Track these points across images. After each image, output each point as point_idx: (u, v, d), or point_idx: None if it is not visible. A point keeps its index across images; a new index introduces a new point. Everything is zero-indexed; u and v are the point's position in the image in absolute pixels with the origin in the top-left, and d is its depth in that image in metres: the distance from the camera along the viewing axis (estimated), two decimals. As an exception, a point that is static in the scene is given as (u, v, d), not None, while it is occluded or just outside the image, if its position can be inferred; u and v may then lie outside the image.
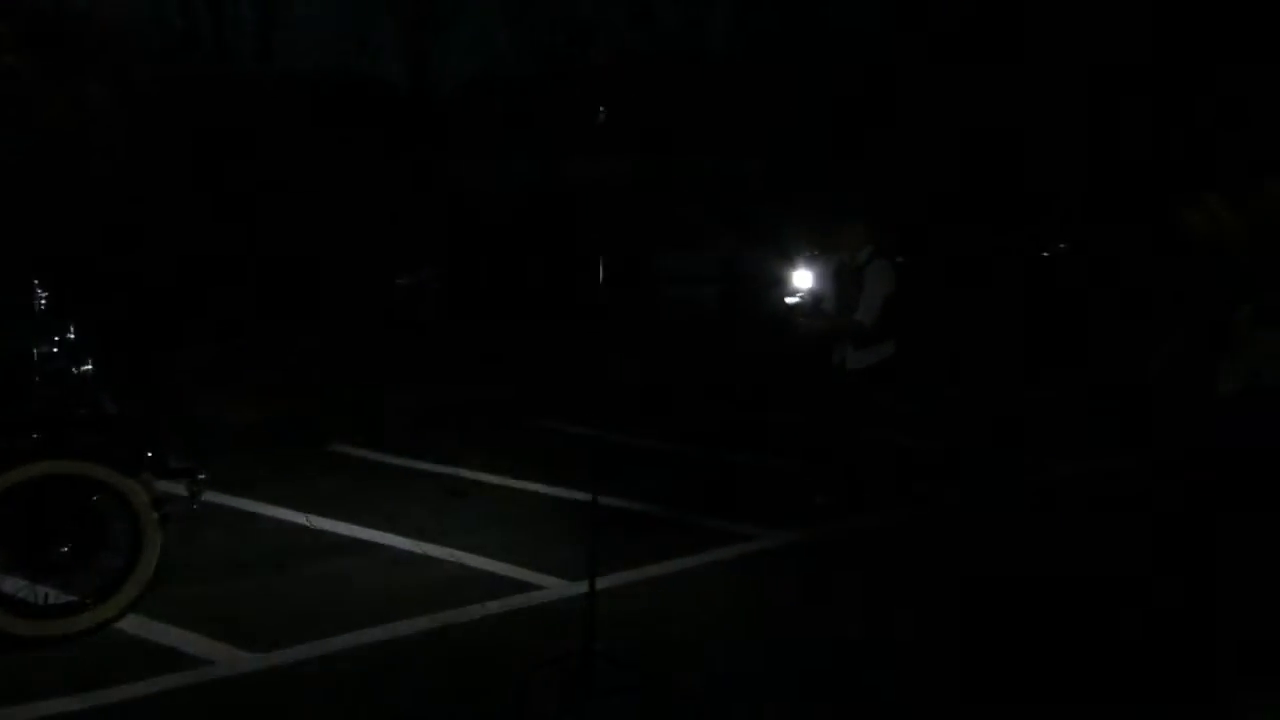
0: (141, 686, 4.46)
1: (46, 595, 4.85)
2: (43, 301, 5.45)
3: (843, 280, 6.81)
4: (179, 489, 5.36)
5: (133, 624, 4.98)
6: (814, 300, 6.77)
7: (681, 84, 17.04)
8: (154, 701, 4.37)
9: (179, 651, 4.78)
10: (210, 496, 6.00)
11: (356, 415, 9.37)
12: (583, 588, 4.66)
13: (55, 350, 5.33)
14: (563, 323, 11.94)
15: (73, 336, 5.39)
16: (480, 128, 16.90)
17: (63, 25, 11.26)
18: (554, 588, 5.55)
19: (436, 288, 14.00)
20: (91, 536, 4.95)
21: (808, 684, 4.59)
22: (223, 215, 12.14)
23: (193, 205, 11.96)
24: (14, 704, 4.28)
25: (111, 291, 9.43)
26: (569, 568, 5.65)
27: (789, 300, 6.75)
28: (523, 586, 5.57)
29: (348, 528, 6.44)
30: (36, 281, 5.46)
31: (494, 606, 5.30)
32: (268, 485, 7.15)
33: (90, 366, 5.35)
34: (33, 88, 10.06)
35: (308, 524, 6.47)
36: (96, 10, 12.68)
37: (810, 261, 6.89)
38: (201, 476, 5.37)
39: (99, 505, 4.96)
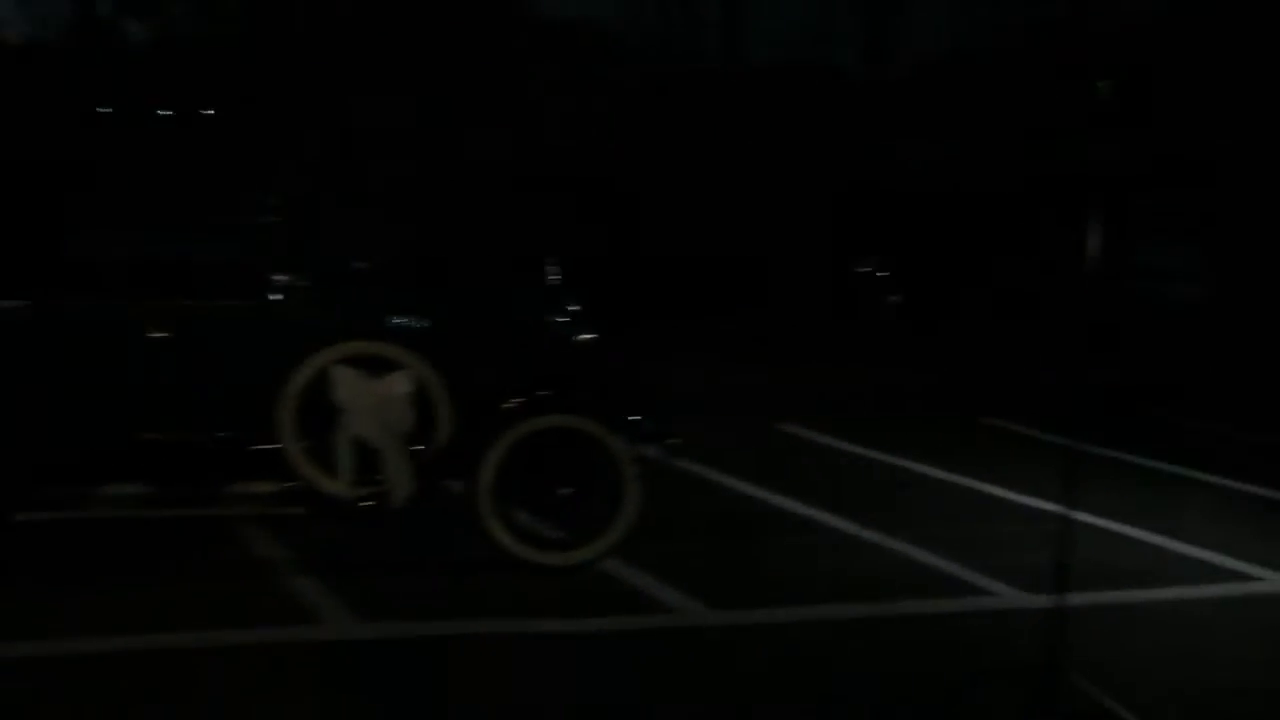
0: (611, 621, 5.04)
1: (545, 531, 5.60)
2: (555, 278, 6.23)
3: None
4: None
5: (611, 566, 5.61)
6: None
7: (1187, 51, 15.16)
8: (621, 637, 4.92)
9: (648, 596, 5.35)
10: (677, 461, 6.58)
11: (805, 396, 9.75)
12: (1039, 600, 4.62)
13: (563, 320, 6.08)
14: (1025, 320, 11.65)
15: (578, 308, 6.13)
16: (944, 111, 16.49)
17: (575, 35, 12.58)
18: (1006, 595, 5.50)
19: (886, 277, 13.98)
20: (583, 484, 5.63)
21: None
22: (698, 206, 13.02)
23: (675, 196, 12.92)
24: (513, 617, 5.01)
25: (608, 271, 10.46)
26: (1028, 577, 5.54)
27: None
28: (971, 589, 5.58)
29: (794, 504, 6.80)
30: (551, 261, 6.25)
31: (942, 605, 5.37)
32: (727, 456, 7.66)
33: (591, 335, 6.05)
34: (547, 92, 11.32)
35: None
36: (583, 19, 14.01)
37: None
38: (674, 441, 5.90)
39: (591, 457, 5.62)
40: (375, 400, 5.41)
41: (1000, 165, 15.27)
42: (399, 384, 5.44)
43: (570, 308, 6.07)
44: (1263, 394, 10.20)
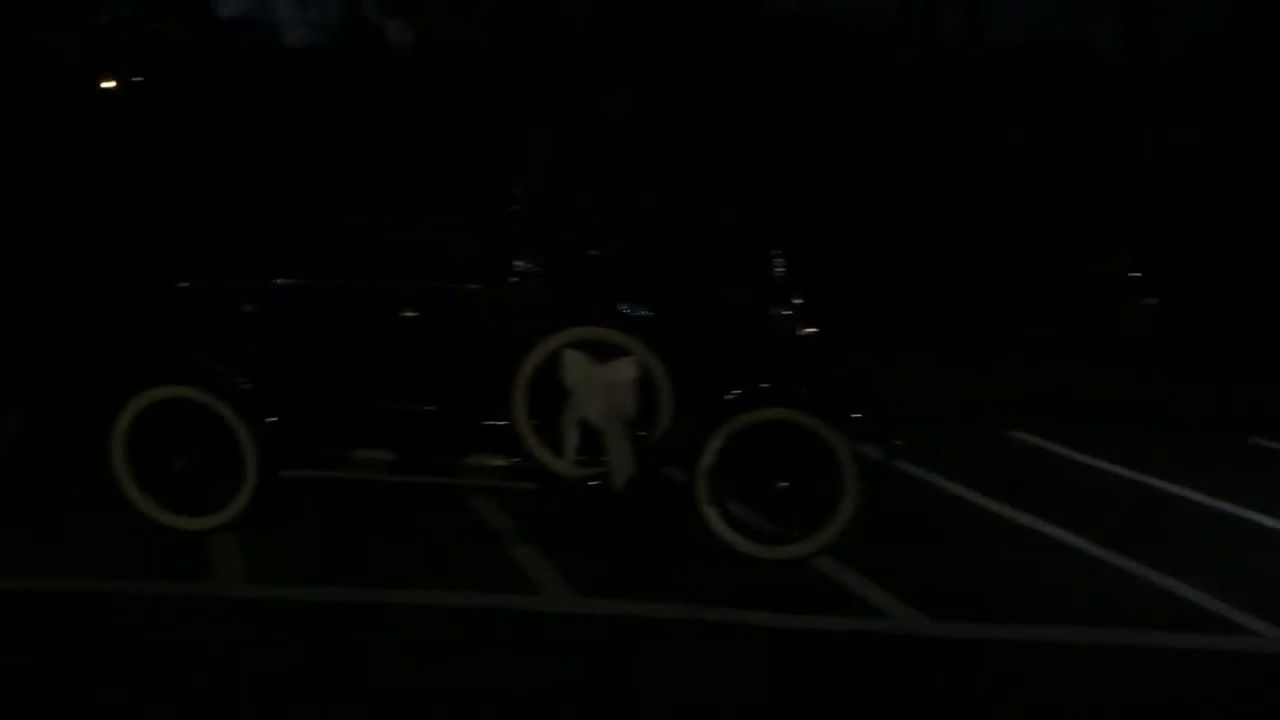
0: (824, 620, 5.00)
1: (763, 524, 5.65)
2: (781, 270, 6.25)
3: None
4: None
5: (825, 564, 5.60)
6: None
7: None
8: (832, 636, 4.87)
9: (859, 598, 5.28)
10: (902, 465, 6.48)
11: (1040, 402, 9.38)
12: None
13: (787, 313, 6.09)
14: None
15: (801, 302, 6.13)
16: (1215, 93, 15.34)
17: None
18: (1271, 636, 5.05)
19: (1136, 277, 13.14)
20: (801, 479, 5.64)
21: None
22: (925, 200, 12.71)
23: (897, 191, 12.67)
24: (723, 606, 5.06)
25: (833, 265, 10.39)
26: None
27: None
28: (1228, 625, 5.16)
29: (1030, 519, 6.55)
30: (776, 254, 6.26)
31: (1192, 640, 4.98)
32: (945, 460, 7.50)
33: (813, 330, 6.05)
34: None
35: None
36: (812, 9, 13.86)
37: None
38: (897, 442, 5.82)
39: (810, 452, 5.63)
40: (602, 384, 5.60)
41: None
42: (625, 370, 5.62)
43: (794, 300, 6.08)
44: None
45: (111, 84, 11.09)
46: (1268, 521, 6.72)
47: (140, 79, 10.51)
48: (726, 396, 5.63)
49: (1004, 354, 11.07)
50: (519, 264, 5.81)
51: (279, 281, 5.87)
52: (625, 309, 5.82)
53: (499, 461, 5.73)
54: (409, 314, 5.76)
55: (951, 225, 13.40)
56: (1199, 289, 13.08)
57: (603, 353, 5.63)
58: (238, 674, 4.23)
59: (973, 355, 10.95)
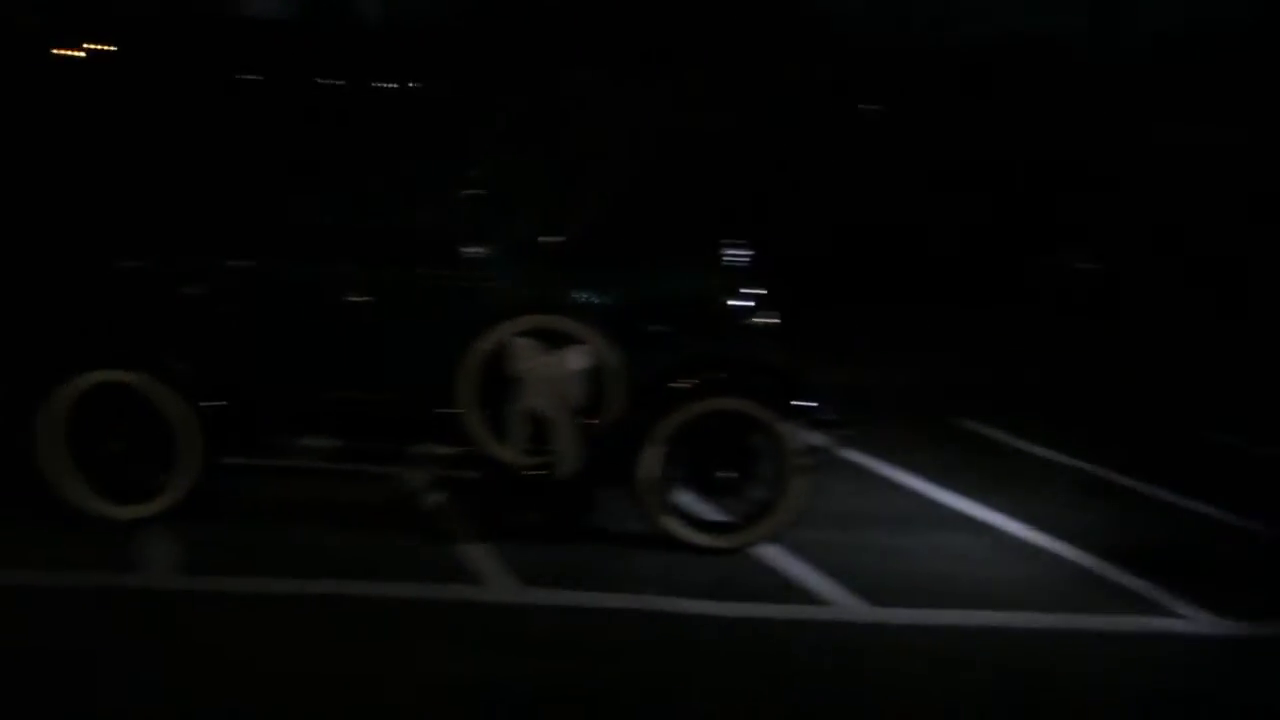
0: (765, 608, 5.02)
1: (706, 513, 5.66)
2: (736, 260, 6.22)
3: None
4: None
5: (769, 553, 5.61)
6: None
7: None
8: (771, 623, 4.90)
9: (802, 586, 5.31)
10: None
11: (984, 393, 9.45)
12: (1234, 628, 4.32)
13: (739, 303, 6.08)
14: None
15: (763, 293, 6.11)
16: (1188, 89, 15.32)
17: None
18: (1197, 620, 5.16)
19: (1093, 269, 13.24)
20: (748, 468, 5.64)
21: None
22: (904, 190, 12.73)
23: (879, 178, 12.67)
24: (664, 595, 5.06)
25: (792, 256, 10.39)
26: (1220, 601, 5.24)
27: None
28: (1157, 608, 5.28)
29: (967, 504, 6.60)
30: (736, 243, 6.24)
31: (1123, 623, 5.10)
32: (892, 450, 7.49)
33: (772, 320, 6.03)
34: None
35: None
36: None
37: None
38: (846, 432, 5.84)
39: (758, 442, 5.63)
40: (551, 373, 5.58)
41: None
42: (575, 359, 5.59)
43: (750, 290, 6.07)
44: None
45: (69, 52, 10.87)
46: (1188, 502, 6.77)
47: (101, 47, 10.30)
48: (675, 386, 5.62)
49: (961, 343, 11.14)
50: (470, 250, 5.75)
51: (223, 263, 5.76)
52: (578, 296, 5.78)
53: (446, 450, 5.70)
54: (357, 299, 5.69)
55: (915, 216, 13.44)
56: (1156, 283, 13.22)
57: (553, 341, 5.60)
58: (171, 665, 4.19)
59: (932, 345, 11.00)
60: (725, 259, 6.17)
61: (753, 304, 6.03)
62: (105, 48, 6.62)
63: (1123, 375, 10.69)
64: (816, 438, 5.70)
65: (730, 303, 6.00)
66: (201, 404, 5.51)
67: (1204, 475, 7.49)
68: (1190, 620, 5.15)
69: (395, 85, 6.69)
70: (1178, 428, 9.02)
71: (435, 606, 4.87)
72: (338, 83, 6.49)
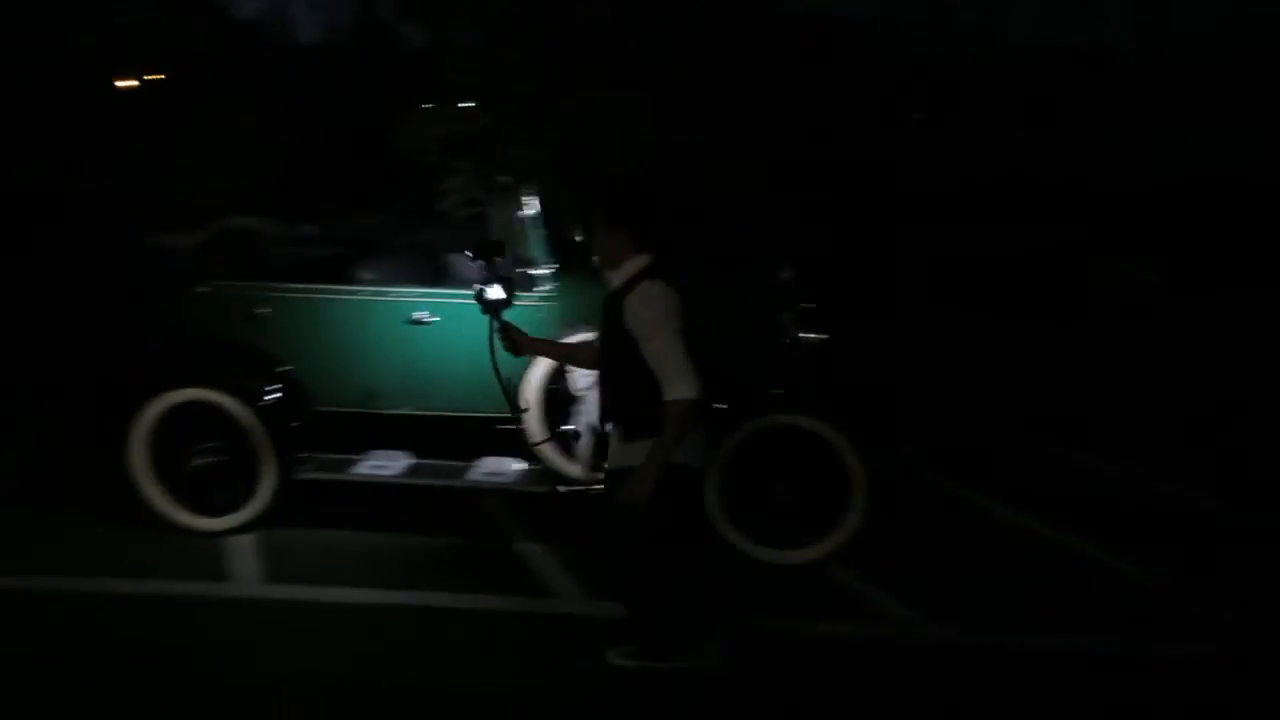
0: (823, 626, 5.07)
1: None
2: (787, 276, 6.29)
3: None
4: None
5: (833, 568, 5.63)
6: None
7: None
8: (831, 641, 4.97)
9: (868, 601, 5.35)
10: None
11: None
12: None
13: (795, 319, 6.14)
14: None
15: (813, 307, 6.17)
16: (1236, 94, 15.08)
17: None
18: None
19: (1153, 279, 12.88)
20: (811, 484, 5.67)
21: None
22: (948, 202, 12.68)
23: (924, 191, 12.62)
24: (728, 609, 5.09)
25: (843, 271, 10.36)
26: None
27: None
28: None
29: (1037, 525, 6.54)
30: (783, 260, 6.30)
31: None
32: (969, 469, 7.36)
33: (823, 336, 6.09)
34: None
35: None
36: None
37: None
38: (908, 449, 5.87)
39: (819, 458, 5.66)
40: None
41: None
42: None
43: (802, 306, 6.12)
44: None
45: (130, 83, 11.18)
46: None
47: (159, 77, 10.62)
48: (736, 403, 5.68)
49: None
50: (534, 271, 5.87)
51: (295, 285, 5.94)
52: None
53: (512, 465, 5.81)
54: (424, 319, 5.83)
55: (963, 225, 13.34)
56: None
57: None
58: (254, 672, 4.33)
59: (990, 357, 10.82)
60: (778, 276, 6.24)
61: (806, 320, 6.08)
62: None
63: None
64: (881, 454, 5.71)
65: (784, 318, 6.06)
66: (277, 422, 5.68)
67: None
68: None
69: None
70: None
71: (504, 617, 4.98)
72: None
